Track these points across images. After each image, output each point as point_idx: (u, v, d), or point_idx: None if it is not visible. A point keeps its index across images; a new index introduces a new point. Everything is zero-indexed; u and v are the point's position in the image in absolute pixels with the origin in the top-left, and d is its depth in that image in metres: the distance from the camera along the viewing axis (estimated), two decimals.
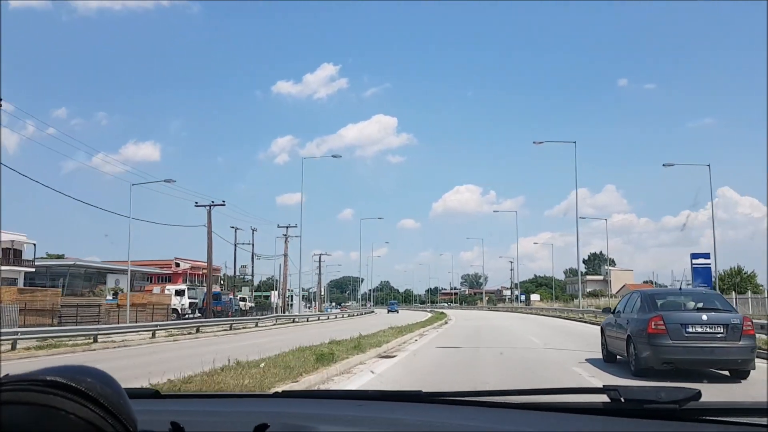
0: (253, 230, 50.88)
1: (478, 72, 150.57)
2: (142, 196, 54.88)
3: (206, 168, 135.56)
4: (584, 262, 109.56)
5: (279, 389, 5.24)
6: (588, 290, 76.03)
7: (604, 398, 1.30)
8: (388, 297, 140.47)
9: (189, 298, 42.21)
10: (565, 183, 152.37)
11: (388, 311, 65.60)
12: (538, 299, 68.22)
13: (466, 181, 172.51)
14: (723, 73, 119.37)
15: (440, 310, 56.35)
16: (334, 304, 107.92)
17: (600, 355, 11.22)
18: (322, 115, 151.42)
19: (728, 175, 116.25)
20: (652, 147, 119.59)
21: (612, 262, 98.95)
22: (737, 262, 50.65)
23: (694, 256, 28.71)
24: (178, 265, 51.22)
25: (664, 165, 30.94)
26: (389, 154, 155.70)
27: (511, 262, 80.00)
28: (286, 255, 49.73)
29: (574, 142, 37.37)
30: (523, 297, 70.94)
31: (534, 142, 39.96)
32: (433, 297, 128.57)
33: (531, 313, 49.21)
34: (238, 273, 54.52)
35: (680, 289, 10.48)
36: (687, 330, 8.41)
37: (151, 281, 58.48)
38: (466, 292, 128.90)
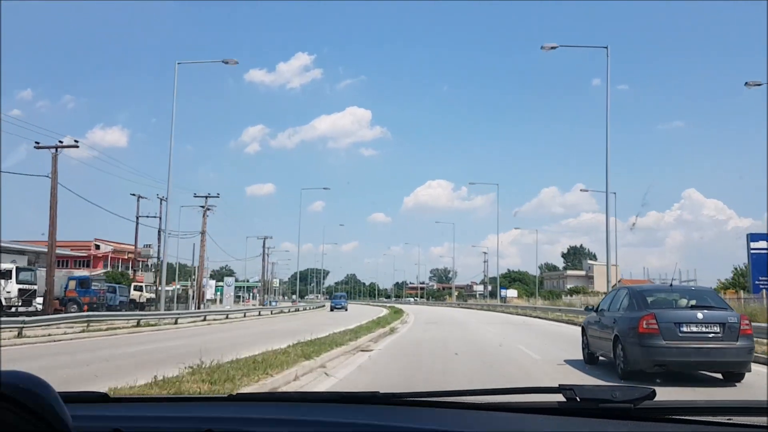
0: (161, 200, 42.11)
1: (454, 68, 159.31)
2: (95, 176, 52.49)
3: (175, 155, 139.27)
4: (563, 256, 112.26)
5: (235, 392, 5.25)
6: (568, 286, 77.61)
7: (559, 398, 1.42)
8: (353, 290, 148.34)
9: (20, 283, 31.26)
10: (535, 181, 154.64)
11: (332, 308, 52.94)
12: (515, 296, 66.77)
13: (438, 176, 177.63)
14: (694, 77, 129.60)
15: (400, 306, 56.24)
16: (295, 297, 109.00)
17: (580, 356, 11.37)
18: (295, 105, 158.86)
19: (694, 178, 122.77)
20: (622, 148, 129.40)
21: (593, 257, 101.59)
22: (701, 263, 54.34)
23: (753, 237, 26.00)
24: (98, 247, 46.25)
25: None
26: (362, 147, 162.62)
27: (485, 253, 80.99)
28: (204, 233, 43.06)
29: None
30: (506, 292, 68.27)
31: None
32: (399, 291, 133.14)
33: (511, 313, 43.88)
34: (148, 254, 47.52)
35: (671, 285, 10.53)
36: (681, 329, 8.51)
37: (65, 265, 56.70)
38: (435, 287, 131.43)
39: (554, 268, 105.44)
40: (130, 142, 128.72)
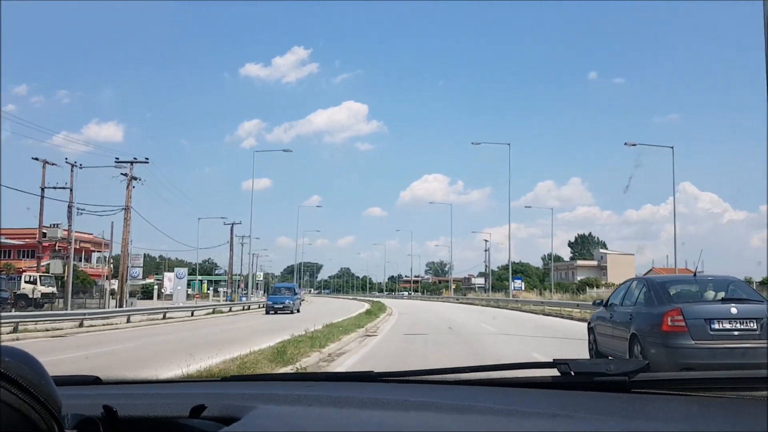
0: (72, 166, 35.67)
1: (450, 62, 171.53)
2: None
3: (170, 150, 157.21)
4: (569, 245, 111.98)
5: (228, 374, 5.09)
6: (579, 278, 77.10)
7: (554, 372, 1.52)
8: (345, 284, 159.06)
9: None
10: (531, 175, 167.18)
11: (269, 309, 36.11)
12: (522, 288, 64.68)
13: (435, 170, 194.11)
14: (689, 70, 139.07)
15: (389, 301, 55.40)
16: (247, 291, 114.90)
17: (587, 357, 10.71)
18: (291, 99, 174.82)
19: (689, 171, 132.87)
20: (617, 141, 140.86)
21: (603, 245, 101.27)
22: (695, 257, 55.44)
23: None
24: (44, 235, 42.77)
25: (625, 144, 35.68)
26: (358, 142, 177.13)
27: (486, 241, 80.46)
28: (128, 207, 37.55)
29: (509, 144, 49.08)
30: (519, 283, 65.38)
31: (472, 143, 54.65)
32: (392, 285, 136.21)
33: (527, 311, 36.72)
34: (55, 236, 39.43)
35: (694, 275, 9.90)
36: (712, 327, 7.91)
37: (8, 256, 55.57)
38: (430, 280, 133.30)
39: (558, 258, 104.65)
40: (126, 137, 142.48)
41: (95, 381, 1.77)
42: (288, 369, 9.81)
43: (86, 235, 67.77)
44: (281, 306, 35.71)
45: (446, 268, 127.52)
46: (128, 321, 27.22)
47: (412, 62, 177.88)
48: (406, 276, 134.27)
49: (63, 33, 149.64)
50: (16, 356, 0.87)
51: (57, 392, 0.90)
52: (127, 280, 39.46)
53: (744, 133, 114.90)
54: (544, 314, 32.18)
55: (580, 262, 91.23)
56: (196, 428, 1.28)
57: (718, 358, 7.76)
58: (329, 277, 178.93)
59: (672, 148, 35.75)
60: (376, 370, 1.78)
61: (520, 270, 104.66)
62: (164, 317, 31.08)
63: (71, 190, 35.69)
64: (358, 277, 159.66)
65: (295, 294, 39.16)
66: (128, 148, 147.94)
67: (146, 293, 63.02)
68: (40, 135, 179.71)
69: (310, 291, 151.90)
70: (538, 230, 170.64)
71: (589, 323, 11.49)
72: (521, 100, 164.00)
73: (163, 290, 51.03)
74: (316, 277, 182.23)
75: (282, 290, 39.55)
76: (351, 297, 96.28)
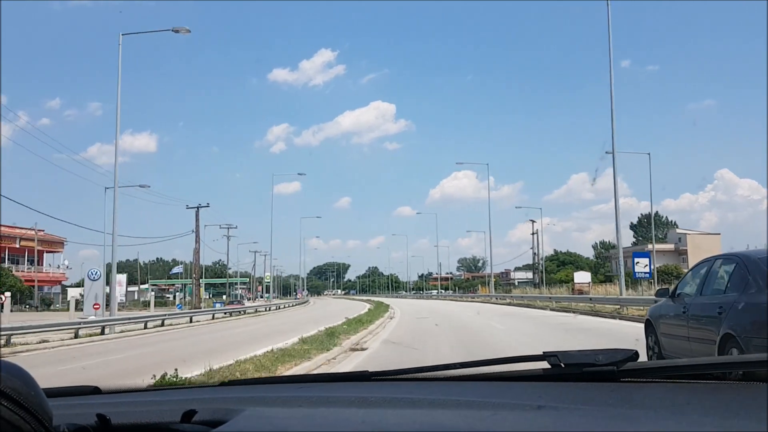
0: None
1: (478, 56, 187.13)
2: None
3: (202, 158, 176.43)
4: (632, 228, 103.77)
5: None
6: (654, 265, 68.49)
7: (544, 365, 1.68)
8: (372, 284, 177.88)
9: None
10: (564, 168, 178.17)
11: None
12: (587, 281, 54.40)
13: (464, 166, 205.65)
14: (725, 54, 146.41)
15: (409, 303, 54.59)
16: (307, 292, 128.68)
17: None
18: (319, 102, 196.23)
19: (727, 158, 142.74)
20: (652, 129, 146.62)
21: (674, 225, 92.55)
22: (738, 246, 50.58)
23: None
24: None
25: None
26: (386, 141, 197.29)
27: (534, 222, 72.20)
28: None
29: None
30: (585, 275, 54.49)
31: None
32: (421, 284, 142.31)
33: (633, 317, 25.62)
34: None
35: None
36: None
37: None
38: (463, 277, 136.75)
39: (611, 246, 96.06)
40: (159, 146, 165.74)
41: (95, 391, 1.94)
42: None
43: (28, 232, 62.61)
44: None
45: (479, 264, 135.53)
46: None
47: (439, 58, 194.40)
48: (436, 273, 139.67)
49: (93, 45, 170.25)
50: (6, 369, 0.97)
51: (48, 403, 1.01)
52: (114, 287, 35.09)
53: None
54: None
55: (656, 246, 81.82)
56: None
57: None
58: (357, 276, 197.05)
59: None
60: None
61: (569, 261, 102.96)
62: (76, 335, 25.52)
63: None
64: (385, 276, 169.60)
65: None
66: (161, 158, 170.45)
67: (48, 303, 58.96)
68: (75, 147, 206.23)
69: (336, 292, 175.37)
70: (573, 223, 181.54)
71: (647, 320, 10.88)
72: (551, 91, 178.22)
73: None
74: (343, 278, 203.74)
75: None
76: (367, 298, 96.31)
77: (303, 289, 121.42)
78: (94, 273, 34.87)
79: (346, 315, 30.49)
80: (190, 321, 37.21)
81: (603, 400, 1.41)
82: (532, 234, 75.75)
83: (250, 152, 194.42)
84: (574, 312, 32.03)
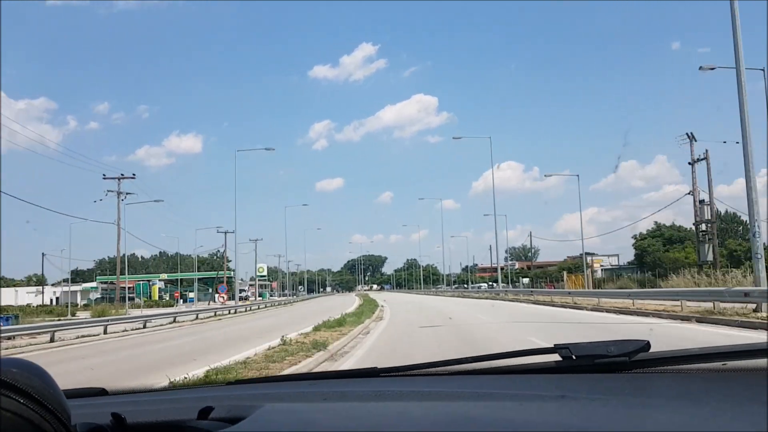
0: None
1: (521, 45, 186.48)
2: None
3: (246, 159, 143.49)
4: (719, 218, 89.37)
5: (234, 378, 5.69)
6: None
7: (556, 357, 1.68)
8: (410, 278, 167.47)
9: None
10: (611, 157, 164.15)
11: None
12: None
13: (508, 158, 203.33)
14: None
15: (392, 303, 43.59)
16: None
17: None
18: (360, 97, 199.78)
19: None
20: (704, 114, 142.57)
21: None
22: None
23: None
24: None
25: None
26: (428, 135, 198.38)
27: None
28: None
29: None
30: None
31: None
32: (465, 276, 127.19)
33: None
34: None
35: None
36: None
37: None
38: (516, 266, 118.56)
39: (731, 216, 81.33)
40: (204, 147, 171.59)
41: (101, 392, 1.95)
42: None
43: None
44: None
45: (530, 253, 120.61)
46: None
47: (481, 49, 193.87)
48: (481, 264, 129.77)
49: (138, 50, 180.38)
50: (27, 368, 0.97)
51: (66, 402, 1.00)
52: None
53: None
54: None
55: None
56: (203, 430, 1.36)
57: None
58: (395, 270, 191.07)
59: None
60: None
61: (678, 238, 78.95)
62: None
63: None
64: (423, 268, 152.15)
65: None
66: (206, 158, 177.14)
67: None
68: (123, 150, 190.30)
69: (372, 287, 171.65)
70: (622, 212, 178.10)
71: None
72: (596, 77, 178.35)
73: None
74: (380, 271, 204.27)
75: None
76: (402, 292, 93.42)
77: (300, 287, 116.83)
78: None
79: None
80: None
81: (618, 390, 1.42)
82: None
83: (294, 150, 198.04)
84: None
